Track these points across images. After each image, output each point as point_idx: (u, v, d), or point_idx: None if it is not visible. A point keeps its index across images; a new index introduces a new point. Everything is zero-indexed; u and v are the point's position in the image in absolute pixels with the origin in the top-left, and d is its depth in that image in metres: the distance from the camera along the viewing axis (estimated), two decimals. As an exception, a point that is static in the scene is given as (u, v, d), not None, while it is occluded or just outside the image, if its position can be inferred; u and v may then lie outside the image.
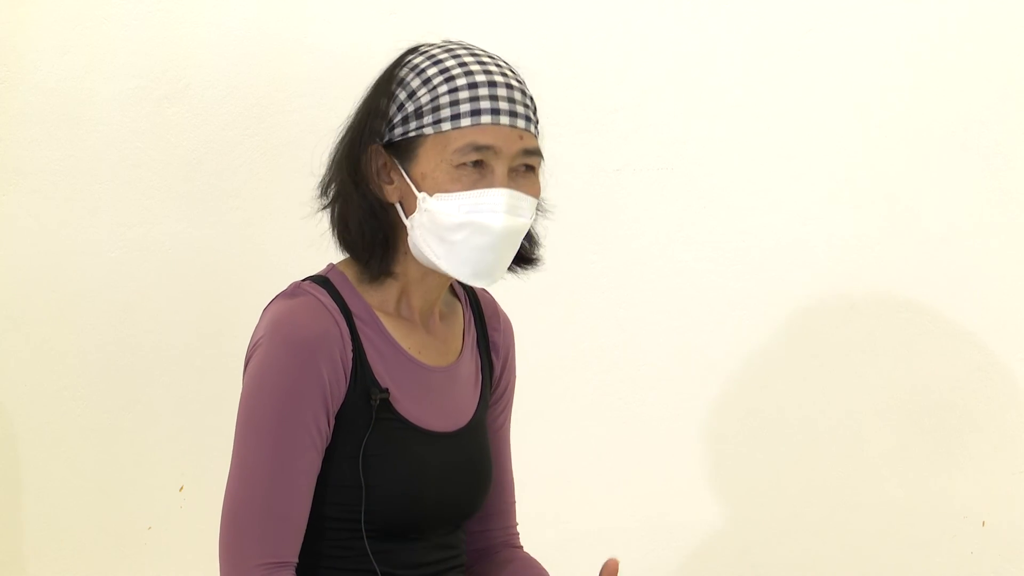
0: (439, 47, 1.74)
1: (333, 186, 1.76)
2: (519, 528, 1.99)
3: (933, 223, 2.69)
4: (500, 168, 1.68)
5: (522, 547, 1.97)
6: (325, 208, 1.77)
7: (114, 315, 2.79)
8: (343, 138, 1.76)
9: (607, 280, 2.75)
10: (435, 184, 1.69)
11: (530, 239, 1.81)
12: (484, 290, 1.92)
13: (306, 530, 1.71)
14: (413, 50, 1.76)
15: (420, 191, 1.69)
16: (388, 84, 1.74)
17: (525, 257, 1.81)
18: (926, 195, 2.68)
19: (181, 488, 2.81)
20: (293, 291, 1.74)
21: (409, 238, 1.72)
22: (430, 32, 1.89)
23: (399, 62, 1.75)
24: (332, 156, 1.77)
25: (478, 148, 1.67)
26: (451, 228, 1.68)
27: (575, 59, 2.73)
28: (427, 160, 1.69)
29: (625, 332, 2.76)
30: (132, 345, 2.80)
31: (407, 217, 1.72)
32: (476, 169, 1.68)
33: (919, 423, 2.70)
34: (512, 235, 1.69)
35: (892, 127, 2.69)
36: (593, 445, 2.78)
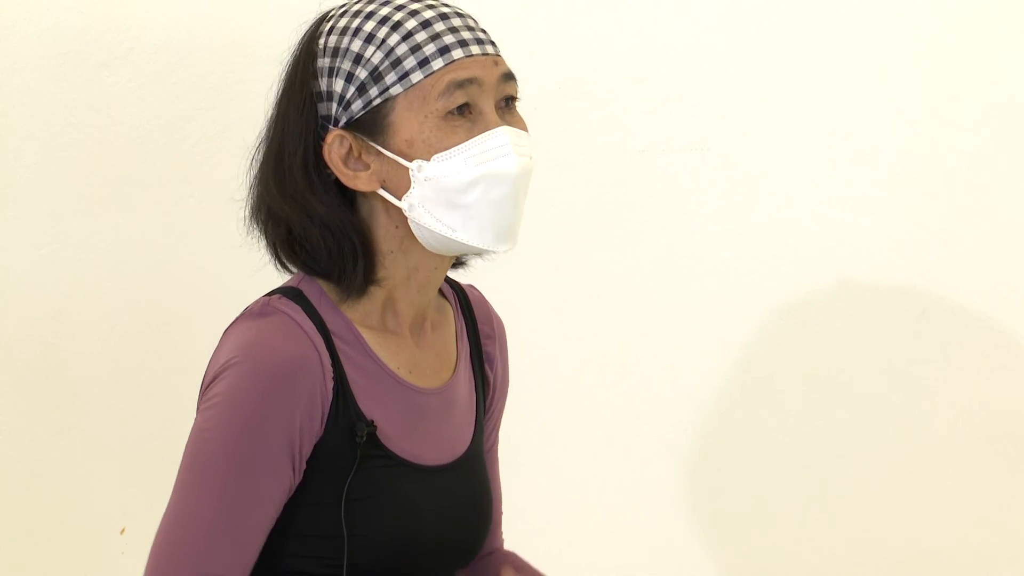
0: (354, 3, 1.71)
1: (273, 210, 1.71)
2: (505, 542, 1.97)
3: (1020, 215, 2.58)
4: (487, 106, 1.66)
5: None
6: (267, 237, 1.72)
7: (42, 324, 2.77)
8: (270, 149, 1.71)
9: (631, 282, 2.69)
10: (428, 146, 1.64)
11: None
12: (473, 288, 1.89)
13: None
14: (322, 19, 1.72)
15: (412, 160, 1.64)
16: (311, 63, 1.69)
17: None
18: (1013, 181, 2.57)
19: (123, 530, 2.77)
20: (262, 309, 1.67)
21: (410, 221, 1.66)
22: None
23: (312, 37, 1.71)
24: (261, 175, 1.72)
25: (460, 85, 1.64)
26: (462, 188, 1.64)
27: (592, 21, 2.67)
28: (407, 124, 1.65)
29: (653, 344, 2.69)
30: (64, 359, 2.78)
31: (400, 199, 1.66)
32: (465, 116, 1.65)
33: (1005, 453, 2.61)
34: (525, 178, 1.68)
35: (973, 97, 2.57)
36: (616, 473, 2.72)
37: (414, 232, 1.67)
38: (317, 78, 1.67)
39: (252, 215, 1.72)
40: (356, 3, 1.70)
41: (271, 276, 1.74)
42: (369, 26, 1.65)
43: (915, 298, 2.61)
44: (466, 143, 1.63)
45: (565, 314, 2.70)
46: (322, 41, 1.67)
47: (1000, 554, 2.63)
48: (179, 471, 1.63)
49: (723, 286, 2.66)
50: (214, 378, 1.64)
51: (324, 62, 1.66)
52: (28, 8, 2.70)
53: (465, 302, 1.86)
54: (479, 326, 1.86)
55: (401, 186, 1.65)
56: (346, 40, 1.66)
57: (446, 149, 1.63)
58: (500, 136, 1.64)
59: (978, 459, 2.61)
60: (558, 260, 2.63)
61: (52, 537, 2.78)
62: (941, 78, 2.59)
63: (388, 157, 1.65)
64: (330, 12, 1.70)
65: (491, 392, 1.88)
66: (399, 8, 1.66)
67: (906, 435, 2.64)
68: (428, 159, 1.63)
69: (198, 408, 1.65)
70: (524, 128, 1.70)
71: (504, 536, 1.97)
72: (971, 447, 2.61)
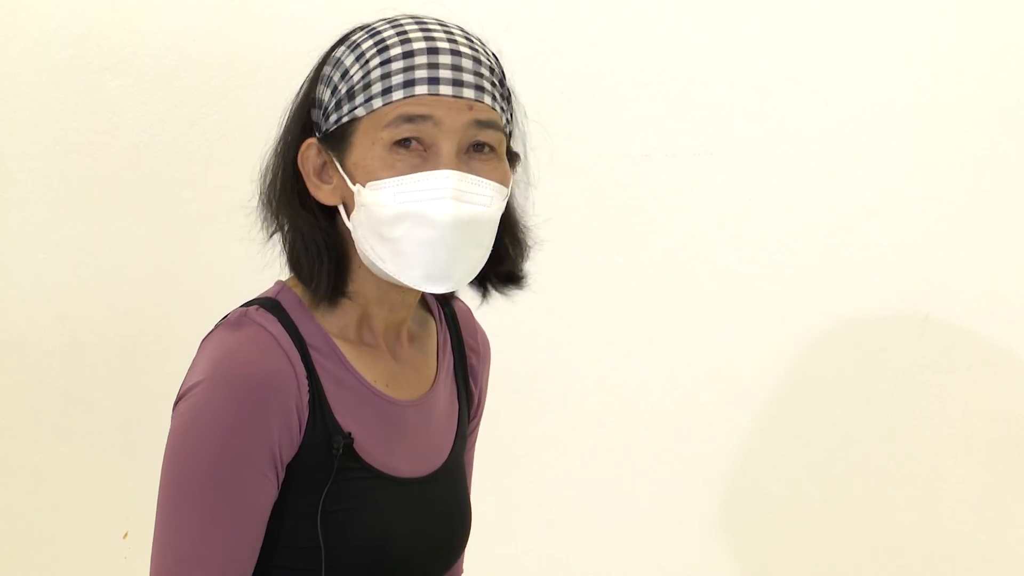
0: (387, 20, 1.68)
1: (272, 206, 1.72)
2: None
3: (1023, 219, 2.59)
4: (447, 147, 1.60)
5: None
6: (274, 233, 1.72)
7: (44, 328, 2.76)
8: (277, 147, 1.72)
9: (633, 287, 2.69)
10: (367, 172, 1.61)
11: (516, 249, 1.75)
12: (458, 300, 1.87)
13: None
14: (361, 27, 1.70)
15: (355, 183, 1.63)
16: (323, 67, 1.69)
17: (510, 273, 1.76)
18: (1015, 185, 2.58)
19: (125, 535, 2.77)
20: (239, 320, 1.66)
21: (355, 244, 1.66)
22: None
23: (340, 41, 1.70)
24: (266, 167, 1.73)
25: (410, 119, 1.59)
26: (388, 221, 1.60)
27: (595, 25, 2.66)
28: (359, 147, 1.63)
29: (655, 349, 2.69)
30: (66, 365, 2.77)
31: (348, 219, 1.66)
32: (415, 152, 1.61)
33: (1007, 457, 2.62)
34: (466, 227, 1.60)
35: (977, 103, 2.57)
36: (618, 478, 2.71)
37: (358, 253, 1.65)
38: (317, 83, 1.67)
39: (261, 208, 1.72)
40: (388, 19, 1.68)
41: (273, 278, 1.74)
42: (365, 45, 1.64)
43: (918, 302, 2.61)
44: (400, 178, 1.59)
45: (567, 318, 2.68)
46: (336, 50, 1.67)
47: (1001, 557, 2.63)
48: (160, 487, 1.62)
49: (725, 290, 2.65)
50: (187, 391, 1.63)
51: (325, 69, 1.66)
52: (31, 13, 2.68)
53: (451, 313, 1.85)
54: (464, 338, 1.84)
55: (352, 206, 1.64)
56: (343, 52, 1.66)
57: (379, 179, 1.60)
58: (439, 179, 1.59)
59: (980, 462, 2.61)
60: (560, 264, 2.60)
61: (55, 541, 2.76)
62: (944, 82, 2.58)
63: (341, 174, 1.64)
64: (370, 23, 1.69)
65: (473, 405, 1.86)
66: (400, 33, 1.65)
67: (909, 439, 2.63)
68: (364, 185, 1.61)
69: (172, 418, 1.65)
70: (496, 179, 1.64)
71: (488, 550, 1.97)
72: (973, 451, 2.61)
